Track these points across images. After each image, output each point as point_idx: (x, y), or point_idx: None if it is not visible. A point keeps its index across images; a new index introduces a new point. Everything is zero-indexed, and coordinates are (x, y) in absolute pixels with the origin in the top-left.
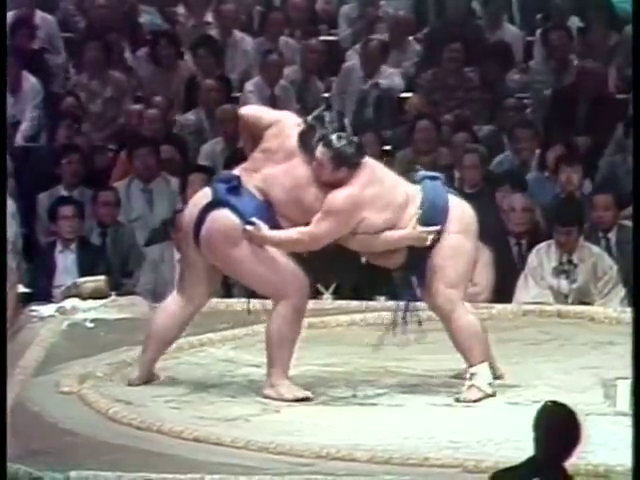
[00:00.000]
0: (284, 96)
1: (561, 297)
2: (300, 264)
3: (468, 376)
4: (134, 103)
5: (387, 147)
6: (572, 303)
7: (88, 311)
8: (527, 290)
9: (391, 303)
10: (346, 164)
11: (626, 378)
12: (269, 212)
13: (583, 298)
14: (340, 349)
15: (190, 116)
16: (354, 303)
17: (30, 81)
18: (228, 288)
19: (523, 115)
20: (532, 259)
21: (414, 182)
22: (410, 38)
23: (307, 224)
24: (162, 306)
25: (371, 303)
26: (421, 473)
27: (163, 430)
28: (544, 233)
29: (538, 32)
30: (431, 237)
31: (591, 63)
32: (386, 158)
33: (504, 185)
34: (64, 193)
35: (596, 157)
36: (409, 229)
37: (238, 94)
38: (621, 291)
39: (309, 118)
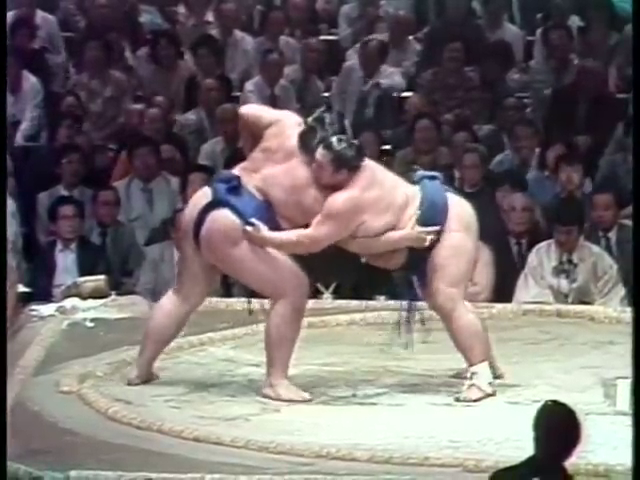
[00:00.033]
0: (284, 96)
1: (561, 296)
2: (300, 263)
3: (468, 375)
4: (134, 103)
5: (387, 147)
6: (572, 302)
7: (88, 310)
8: (527, 289)
9: (394, 303)
10: (346, 167)
11: (626, 378)
12: (269, 212)
13: (583, 297)
14: (340, 348)
15: (190, 116)
16: (354, 302)
17: (30, 80)
18: (228, 287)
19: (523, 114)
20: (532, 258)
21: (413, 182)
22: (410, 38)
23: (307, 225)
24: (158, 305)
25: (371, 302)
26: (421, 473)
27: (163, 429)
28: (544, 232)
29: (538, 32)
30: (430, 237)
31: (591, 62)
32: (385, 158)
33: (504, 185)
34: (64, 193)
35: (596, 156)
36: (408, 230)
37: (238, 94)
38: (621, 290)
39: (309, 119)
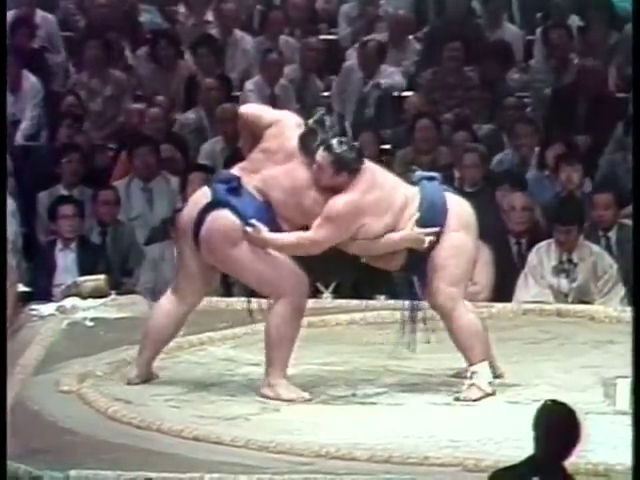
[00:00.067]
0: (284, 95)
1: (561, 296)
2: (300, 263)
3: (468, 375)
4: (134, 102)
5: (387, 146)
6: (572, 302)
7: (88, 310)
8: (527, 289)
9: (394, 302)
10: (346, 169)
11: (626, 377)
12: (269, 213)
13: (583, 297)
14: (340, 348)
15: (190, 115)
16: (354, 302)
17: (30, 80)
18: (228, 287)
19: (523, 114)
20: (532, 258)
21: (412, 183)
22: (410, 37)
23: (307, 226)
24: (157, 305)
25: (371, 302)
26: (421, 472)
27: (163, 429)
28: (544, 232)
29: (538, 31)
30: (429, 239)
31: (591, 62)
32: (385, 157)
33: (504, 184)
34: (64, 192)
35: (596, 156)
36: (407, 231)
37: (238, 93)
38: (621, 290)
39: (310, 122)
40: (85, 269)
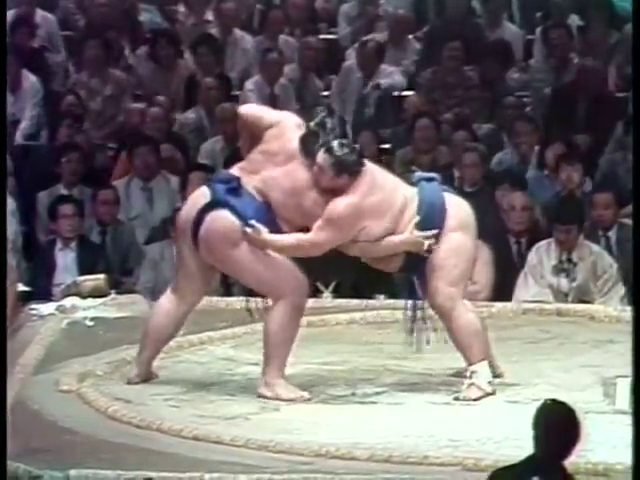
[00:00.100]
0: (284, 95)
1: (561, 295)
2: (300, 262)
3: (468, 374)
4: (134, 101)
5: (386, 146)
6: (572, 301)
7: (88, 309)
8: (527, 288)
9: (394, 302)
10: (347, 171)
11: (626, 376)
12: (269, 214)
13: (583, 296)
14: (339, 347)
15: (190, 114)
16: (354, 301)
17: (30, 79)
18: (228, 287)
19: (523, 113)
20: (532, 257)
21: (411, 184)
22: (410, 37)
23: (306, 227)
24: (157, 304)
25: (371, 302)
26: (421, 471)
27: (163, 428)
28: (544, 231)
29: (538, 30)
30: (428, 242)
31: (591, 61)
32: (384, 157)
33: (504, 184)
34: (64, 192)
35: (596, 155)
36: (407, 234)
37: (238, 92)
38: (621, 289)
39: (311, 124)
40: (85, 268)
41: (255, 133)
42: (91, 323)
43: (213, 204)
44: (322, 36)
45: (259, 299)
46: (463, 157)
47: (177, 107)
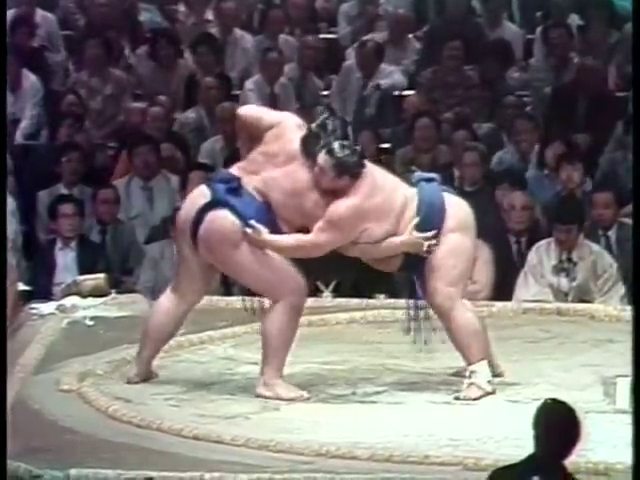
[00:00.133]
0: (284, 94)
1: (561, 295)
2: (300, 262)
3: (467, 374)
4: (134, 101)
5: (386, 145)
6: (572, 301)
7: (88, 309)
8: (527, 288)
9: (397, 301)
10: (348, 173)
11: (626, 376)
12: (269, 214)
13: (583, 296)
14: (340, 347)
15: (190, 114)
16: (354, 301)
17: (30, 79)
18: (228, 286)
19: (523, 113)
20: (532, 257)
21: (411, 184)
22: (410, 36)
23: (306, 228)
24: (157, 303)
25: (371, 301)
26: (421, 471)
27: (163, 428)
28: (544, 231)
29: (538, 30)
30: (427, 243)
31: (591, 61)
32: (384, 156)
33: (504, 183)
34: (64, 191)
35: (596, 155)
36: (406, 235)
37: (238, 92)
38: (621, 289)
39: (313, 125)
40: (85, 268)
41: (254, 134)
42: (91, 322)
43: (213, 204)
44: (322, 35)
45: (256, 298)
46: (463, 156)
47: (177, 106)
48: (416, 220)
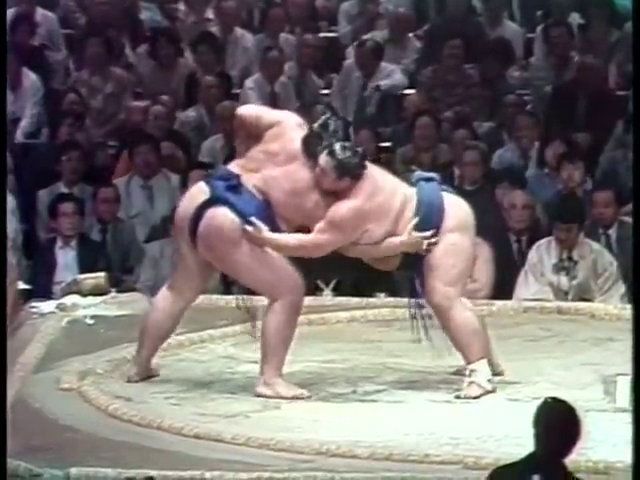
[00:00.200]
0: (284, 93)
1: (561, 294)
2: (299, 261)
3: (467, 373)
4: (134, 100)
5: (387, 144)
6: (572, 300)
7: (88, 308)
8: (527, 287)
9: (397, 300)
10: (349, 174)
11: (626, 374)
12: (268, 212)
13: (583, 295)
14: (340, 345)
15: (190, 113)
16: (354, 300)
17: (30, 78)
18: (228, 285)
19: (523, 111)
20: (532, 256)
21: (410, 183)
22: (410, 35)
23: (306, 227)
24: (153, 301)
25: (371, 300)
26: (421, 470)
27: (163, 427)
28: (544, 230)
29: (538, 29)
30: (427, 242)
31: (591, 60)
32: (384, 155)
33: (504, 182)
34: (64, 190)
35: (596, 153)
36: (406, 235)
37: (238, 91)
38: (621, 287)
39: (315, 125)
40: (85, 267)
41: (254, 133)
42: (91, 321)
43: (212, 201)
44: (322, 34)
45: (252, 297)
46: (463, 155)
47: (178, 105)
48: (415, 220)
